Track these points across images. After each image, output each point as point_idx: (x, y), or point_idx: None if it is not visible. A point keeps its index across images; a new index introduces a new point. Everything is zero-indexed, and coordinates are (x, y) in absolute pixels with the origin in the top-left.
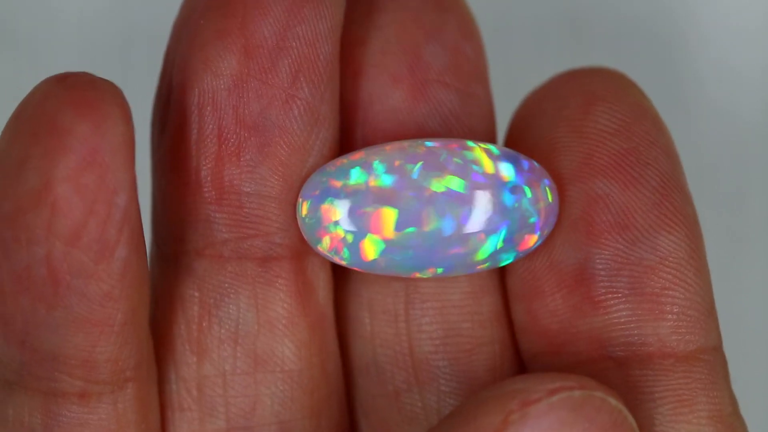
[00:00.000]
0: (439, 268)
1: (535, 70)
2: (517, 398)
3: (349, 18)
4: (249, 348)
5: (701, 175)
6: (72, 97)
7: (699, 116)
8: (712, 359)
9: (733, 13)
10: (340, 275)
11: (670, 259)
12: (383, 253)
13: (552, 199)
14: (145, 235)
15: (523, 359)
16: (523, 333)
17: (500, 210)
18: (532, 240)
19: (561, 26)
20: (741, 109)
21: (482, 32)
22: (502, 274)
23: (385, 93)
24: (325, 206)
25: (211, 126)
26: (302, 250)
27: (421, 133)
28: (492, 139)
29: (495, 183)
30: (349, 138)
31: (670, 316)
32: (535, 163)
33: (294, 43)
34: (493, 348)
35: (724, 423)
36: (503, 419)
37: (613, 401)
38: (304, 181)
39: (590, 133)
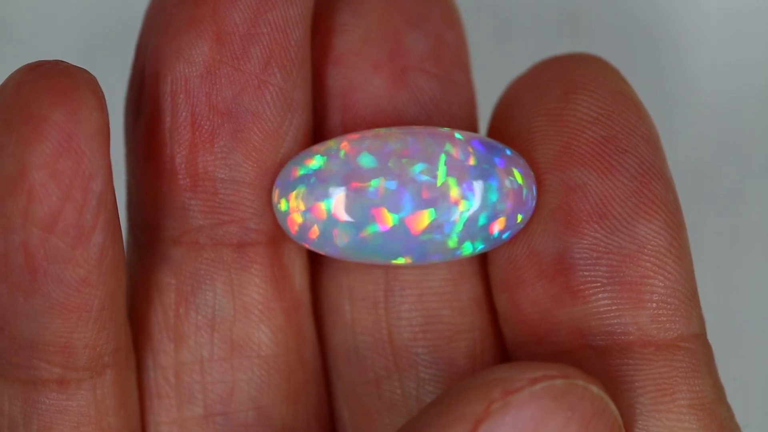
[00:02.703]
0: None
1: (527, 60)
2: (499, 387)
3: (331, 5)
4: (225, 334)
5: (699, 172)
6: (46, 84)
7: (696, 112)
8: (693, 347)
9: (732, 7)
10: (320, 263)
11: (649, 247)
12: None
13: (523, 185)
14: (121, 223)
15: (507, 348)
16: (507, 322)
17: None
18: (499, 225)
19: (556, 18)
20: (739, 106)
21: (477, 21)
22: (484, 262)
23: (365, 80)
24: (293, 194)
25: (184, 113)
26: (277, 235)
27: (401, 119)
28: (473, 127)
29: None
30: (328, 125)
31: (649, 304)
32: (508, 151)
33: (265, 30)
34: (473, 335)
35: (705, 411)
36: (485, 408)
37: (596, 389)
38: (278, 166)
39: (569, 121)
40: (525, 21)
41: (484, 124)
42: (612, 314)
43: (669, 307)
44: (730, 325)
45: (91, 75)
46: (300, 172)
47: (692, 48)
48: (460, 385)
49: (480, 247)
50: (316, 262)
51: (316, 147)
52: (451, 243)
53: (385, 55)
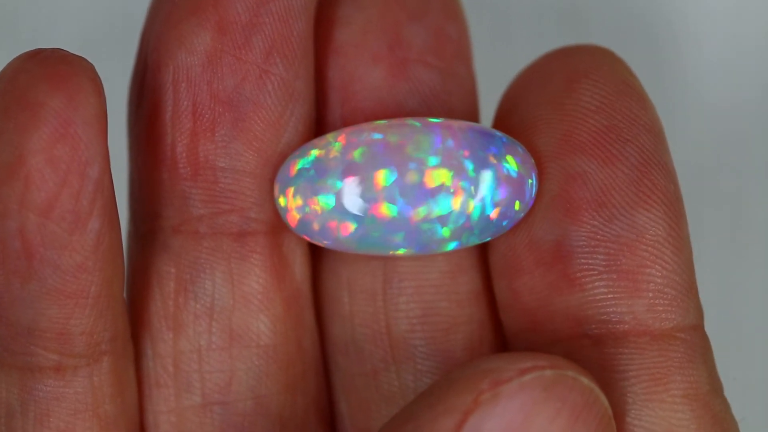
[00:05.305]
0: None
1: (525, 54)
2: (488, 378)
3: None
4: (224, 323)
5: (698, 170)
6: (44, 71)
7: (696, 110)
8: (689, 338)
9: (733, 4)
10: (319, 255)
11: (647, 236)
12: (357, 229)
13: (522, 173)
14: (121, 212)
15: (506, 337)
16: (506, 310)
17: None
18: (499, 213)
19: (555, 13)
20: (740, 103)
21: (475, 16)
22: (482, 255)
23: (365, 72)
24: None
25: (185, 102)
26: (278, 225)
27: (401, 111)
28: (474, 119)
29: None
30: (328, 116)
31: (646, 293)
32: (505, 139)
33: (267, 20)
34: (470, 327)
35: (699, 402)
36: (474, 399)
37: (585, 380)
38: (279, 156)
39: (571, 110)
40: (524, 15)
41: (484, 117)
42: (608, 303)
43: (665, 297)
44: (728, 321)
45: (89, 63)
46: (298, 166)
47: (693, 46)
48: (450, 376)
49: (482, 236)
50: (315, 253)
51: (314, 141)
52: (452, 233)
53: (385, 46)
